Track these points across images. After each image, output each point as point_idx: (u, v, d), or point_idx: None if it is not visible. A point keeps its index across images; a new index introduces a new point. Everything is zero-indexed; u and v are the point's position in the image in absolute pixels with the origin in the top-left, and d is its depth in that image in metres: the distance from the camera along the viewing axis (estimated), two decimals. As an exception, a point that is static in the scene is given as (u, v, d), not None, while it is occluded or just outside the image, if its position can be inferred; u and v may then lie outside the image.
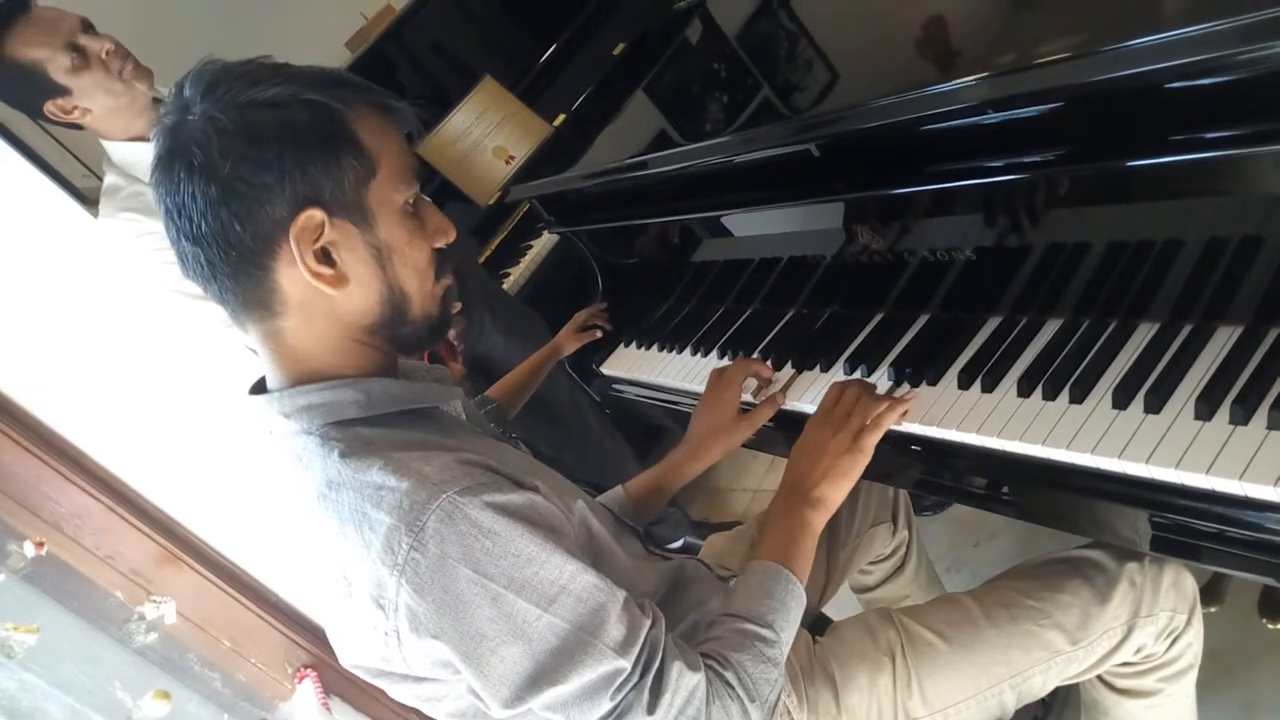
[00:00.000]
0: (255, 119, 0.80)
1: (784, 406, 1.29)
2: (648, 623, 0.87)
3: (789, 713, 1.06)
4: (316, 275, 0.84)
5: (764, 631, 0.96)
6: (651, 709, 0.84)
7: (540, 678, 0.82)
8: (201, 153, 0.80)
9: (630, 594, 0.89)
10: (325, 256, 0.84)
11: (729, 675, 0.90)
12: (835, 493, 1.06)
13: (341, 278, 0.85)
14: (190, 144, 0.80)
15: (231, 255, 0.83)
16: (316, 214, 0.82)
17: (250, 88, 0.81)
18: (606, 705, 0.84)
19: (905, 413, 1.10)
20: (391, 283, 0.88)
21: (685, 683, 0.86)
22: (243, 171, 0.80)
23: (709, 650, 0.93)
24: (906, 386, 1.16)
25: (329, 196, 0.83)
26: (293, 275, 0.84)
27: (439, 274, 0.93)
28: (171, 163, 0.82)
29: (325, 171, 0.82)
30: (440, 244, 0.93)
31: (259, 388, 0.92)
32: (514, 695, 0.82)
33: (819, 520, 1.05)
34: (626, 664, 0.83)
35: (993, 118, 0.98)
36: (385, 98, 0.88)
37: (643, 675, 0.85)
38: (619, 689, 0.84)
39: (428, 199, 0.93)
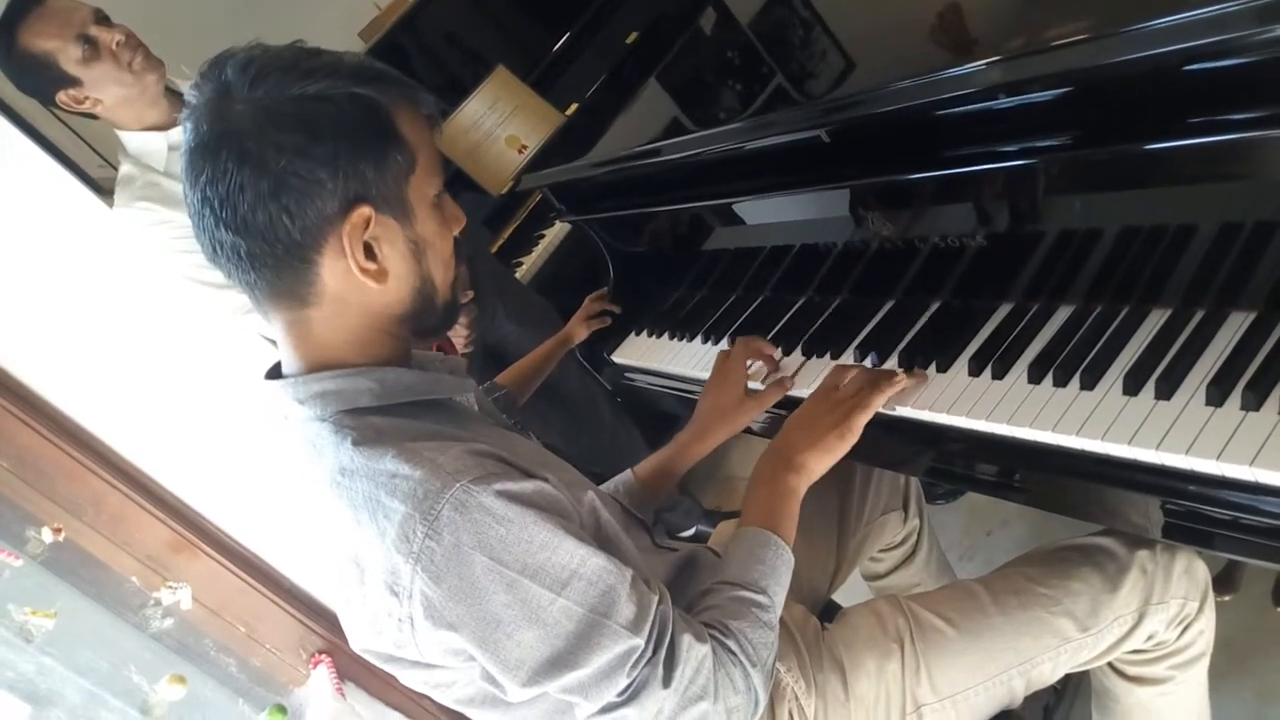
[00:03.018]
0: (310, 113, 0.80)
1: (791, 393, 1.29)
2: (655, 598, 0.88)
3: (797, 699, 1.06)
4: (364, 271, 0.84)
5: (759, 597, 0.98)
6: (666, 682, 0.86)
7: (558, 662, 0.83)
8: (255, 145, 0.79)
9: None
10: (369, 251, 0.85)
11: (731, 643, 0.93)
12: (818, 463, 1.08)
13: (383, 272, 0.86)
14: (239, 133, 0.79)
15: (277, 248, 0.82)
16: (366, 210, 0.83)
17: (300, 80, 0.80)
18: (623, 682, 0.85)
19: (899, 393, 1.12)
20: (424, 275, 0.90)
21: (694, 654, 0.88)
22: (298, 167, 0.79)
23: (709, 620, 0.95)
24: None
25: (376, 192, 0.83)
26: (336, 269, 0.84)
27: (456, 262, 0.95)
28: (218, 150, 0.80)
29: (375, 167, 0.82)
30: (456, 232, 0.94)
31: (274, 373, 0.93)
32: (531, 677, 0.84)
33: (801, 485, 1.08)
34: (640, 641, 0.85)
35: (1007, 102, 0.98)
36: (416, 91, 0.88)
37: (655, 650, 0.86)
38: (634, 665, 0.85)
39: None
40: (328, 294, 0.86)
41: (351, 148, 0.81)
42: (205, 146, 0.81)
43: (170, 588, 1.94)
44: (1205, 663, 1.15)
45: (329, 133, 0.80)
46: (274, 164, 0.79)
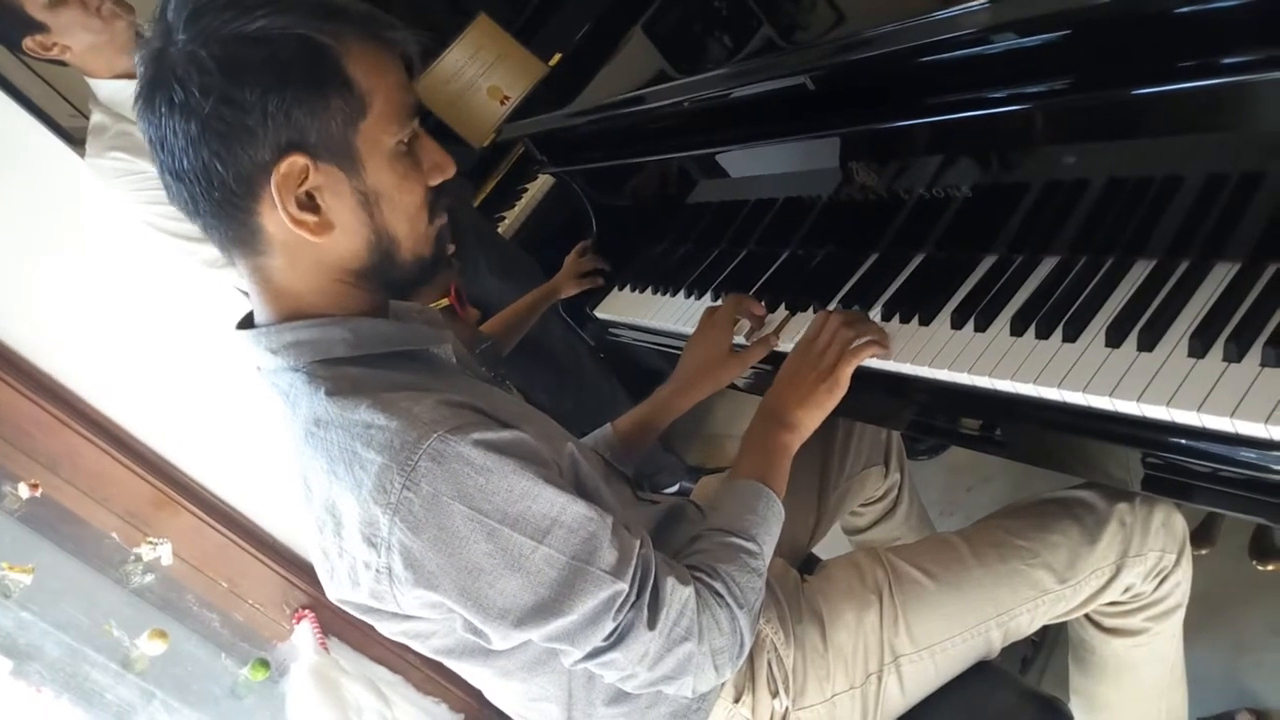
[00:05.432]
0: (239, 55, 0.76)
1: (777, 348, 1.28)
2: (637, 543, 0.88)
3: (776, 650, 1.07)
4: (298, 223, 0.81)
5: (748, 544, 0.98)
6: (652, 624, 0.87)
7: (543, 609, 0.83)
8: (182, 89, 0.77)
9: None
10: (310, 200, 0.82)
11: (717, 585, 0.93)
12: (810, 419, 1.08)
13: (326, 224, 0.83)
14: (171, 78, 0.77)
15: (214, 195, 0.80)
16: (300, 160, 0.79)
17: (236, 19, 0.77)
18: (609, 626, 0.85)
19: (883, 346, 1.11)
20: (379, 229, 0.86)
21: (678, 596, 0.88)
22: (224, 113, 0.76)
23: (696, 563, 0.95)
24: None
25: (315, 140, 0.79)
26: (276, 218, 0.81)
27: (433, 214, 0.90)
28: (153, 95, 0.79)
29: (311, 114, 0.79)
30: (436, 181, 0.89)
31: (247, 323, 0.91)
32: (516, 624, 0.83)
33: (794, 443, 1.08)
34: (624, 585, 0.85)
35: (994, 47, 0.95)
36: (383, 28, 0.84)
37: (639, 594, 0.86)
38: (619, 609, 0.85)
39: (425, 134, 0.89)
40: (276, 243, 0.84)
41: (282, 92, 0.77)
42: (144, 91, 0.80)
43: (151, 543, 1.94)
44: (1181, 615, 1.16)
45: (257, 76, 0.76)
46: (201, 109, 0.76)
